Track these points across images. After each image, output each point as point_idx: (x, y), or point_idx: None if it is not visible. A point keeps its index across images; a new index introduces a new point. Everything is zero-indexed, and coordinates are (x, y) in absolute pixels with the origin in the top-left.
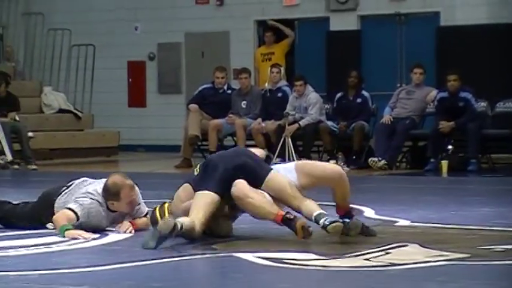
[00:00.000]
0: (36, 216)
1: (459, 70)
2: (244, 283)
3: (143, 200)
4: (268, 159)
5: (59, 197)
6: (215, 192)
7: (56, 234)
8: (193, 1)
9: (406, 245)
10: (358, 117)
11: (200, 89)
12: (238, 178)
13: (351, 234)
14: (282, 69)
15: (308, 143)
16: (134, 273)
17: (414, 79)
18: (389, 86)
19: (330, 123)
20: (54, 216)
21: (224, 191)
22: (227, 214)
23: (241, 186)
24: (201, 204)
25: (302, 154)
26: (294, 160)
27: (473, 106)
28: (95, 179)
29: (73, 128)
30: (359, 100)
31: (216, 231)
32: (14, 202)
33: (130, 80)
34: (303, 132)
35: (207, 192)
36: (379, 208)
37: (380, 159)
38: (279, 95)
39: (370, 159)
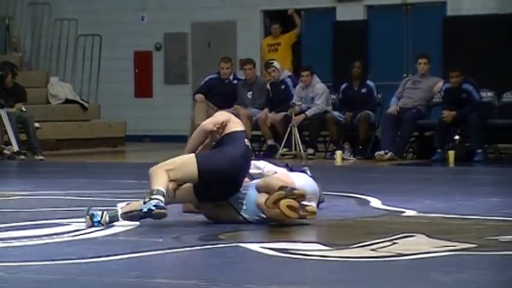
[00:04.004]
0: None
1: (461, 64)
2: (250, 273)
3: None
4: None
5: None
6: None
7: (61, 225)
8: None
9: (413, 235)
10: (364, 107)
11: (206, 79)
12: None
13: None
14: (276, 62)
15: (314, 133)
16: (140, 264)
17: (419, 69)
18: (395, 76)
19: (336, 113)
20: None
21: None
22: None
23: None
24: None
25: (308, 144)
26: (300, 150)
27: (474, 98)
28: (102, 169)
29: (79, 119)
30: (364, 90)
31: (220, 218)
32: None
33: (136, 70)
34: (310, 122)
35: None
36: (386, 198)
37: (386, 152)
38: (282, 87)
39: (376, 153)
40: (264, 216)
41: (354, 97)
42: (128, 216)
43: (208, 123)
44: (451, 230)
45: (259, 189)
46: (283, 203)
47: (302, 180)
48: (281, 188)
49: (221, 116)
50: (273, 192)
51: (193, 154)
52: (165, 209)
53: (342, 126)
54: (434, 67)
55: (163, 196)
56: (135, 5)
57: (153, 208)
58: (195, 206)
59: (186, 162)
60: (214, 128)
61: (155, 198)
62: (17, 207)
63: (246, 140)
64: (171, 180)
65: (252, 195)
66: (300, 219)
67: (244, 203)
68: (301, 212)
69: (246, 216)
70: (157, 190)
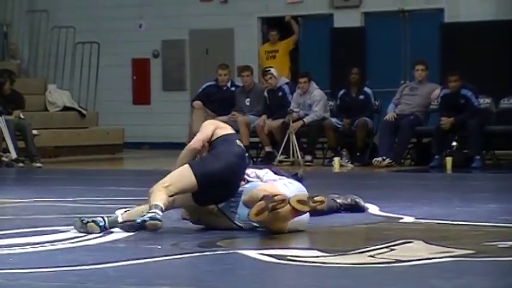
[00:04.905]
0: None
1: (459, 70)
2: (248, 280)
3: None
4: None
5: None
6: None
7: (60, 232)
8: None
9: (411, 242)
10: (361, 113)
11: (204, 86)
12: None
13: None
14: (273, 70)
15: (312, 140)
16: (139, 271)
17: (416, 76)
18: (393, 82)
19: (334, 120)
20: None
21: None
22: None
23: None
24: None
25: (306, 151)
26: (298, 157)
27: (473, 103)
28: (100, 177)
29: (78, 126)
30: (361, 97)
31: (215, 226)
32: None
33: (134, 77)
34: (308, 129)
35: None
36: (384, 205)
37: (384, 158)
38: (280, 94)
39: (374, 159)
40: (256, 224)
41: (351, 104)
42: (124, 226)
43: (196, 142)
44: (449, 236)
45: (246, 205)
46: (293, 199)
47: (289, 189)
48: (262, 197)
49: (208, 127)
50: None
51: (186, 165)
52: (159, 220)
53: (339, 133)
54: (432, 74)
55: (162, 210)
56: (133, 13)
57: (147, 219)
58: (191, 220)
59: (182, 174)
60: (201, 148)
61: (152, 212)
62: (15, 214)
63: (237, 140)
64: (171, 196)
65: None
66: (311, 211)
67: (237, 211)
68: (311, 203)
69: (239, 224)
70: (155, 205)
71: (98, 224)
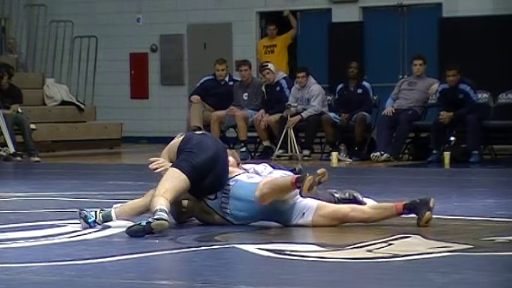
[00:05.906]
0: None
1: (457, 64)
2: (246, 275)
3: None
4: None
5: None
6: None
7: (58, 226)
8: None
9: (409, 237)
10: (360, 108)
11: (202, 81)
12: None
13: None
14: (271, 64)
15: (310, 135)
16: (137, 265)
17: (414, 70)
18: (391, 77)
19: (332, 114)
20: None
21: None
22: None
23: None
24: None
25: (304, 145)
26: (296, 152)
27: (472, 98)
28: (98, 171)
29: (76, 120)
30: (360, 91)
31: (208, 221)
32: None
33: (132, 71)
34: (306, 123)
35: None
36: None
37: (382, 153)
38: (277, 88)
39: (372, 154)
40: (249, 221)
41: (350, 97)
42: (131, 231)
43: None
44: (447, 231)
45: (263, 197)
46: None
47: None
48: (307, 174)
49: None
50: (288, 190)
51: (172, 168)
52: (165, 220)
53: (338, 128)
54: (430, 68)
55: (166, 212)
56: (131, 7)
57: (151, 220)
58: (184, 219)
59: (172, 177)
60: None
61: (156, 214)
62: (13, 209)
63: (196, 131)
64: (170, 201)
65: (238, 204)
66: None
67: (229, 207)
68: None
69: (232, 220)
70: (159, 208)
71: (87, 221)
